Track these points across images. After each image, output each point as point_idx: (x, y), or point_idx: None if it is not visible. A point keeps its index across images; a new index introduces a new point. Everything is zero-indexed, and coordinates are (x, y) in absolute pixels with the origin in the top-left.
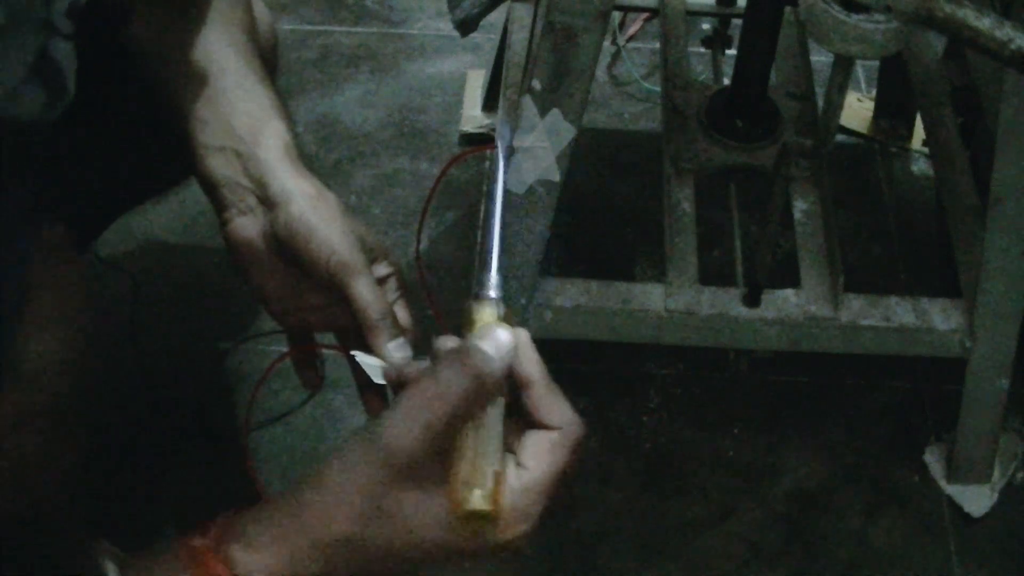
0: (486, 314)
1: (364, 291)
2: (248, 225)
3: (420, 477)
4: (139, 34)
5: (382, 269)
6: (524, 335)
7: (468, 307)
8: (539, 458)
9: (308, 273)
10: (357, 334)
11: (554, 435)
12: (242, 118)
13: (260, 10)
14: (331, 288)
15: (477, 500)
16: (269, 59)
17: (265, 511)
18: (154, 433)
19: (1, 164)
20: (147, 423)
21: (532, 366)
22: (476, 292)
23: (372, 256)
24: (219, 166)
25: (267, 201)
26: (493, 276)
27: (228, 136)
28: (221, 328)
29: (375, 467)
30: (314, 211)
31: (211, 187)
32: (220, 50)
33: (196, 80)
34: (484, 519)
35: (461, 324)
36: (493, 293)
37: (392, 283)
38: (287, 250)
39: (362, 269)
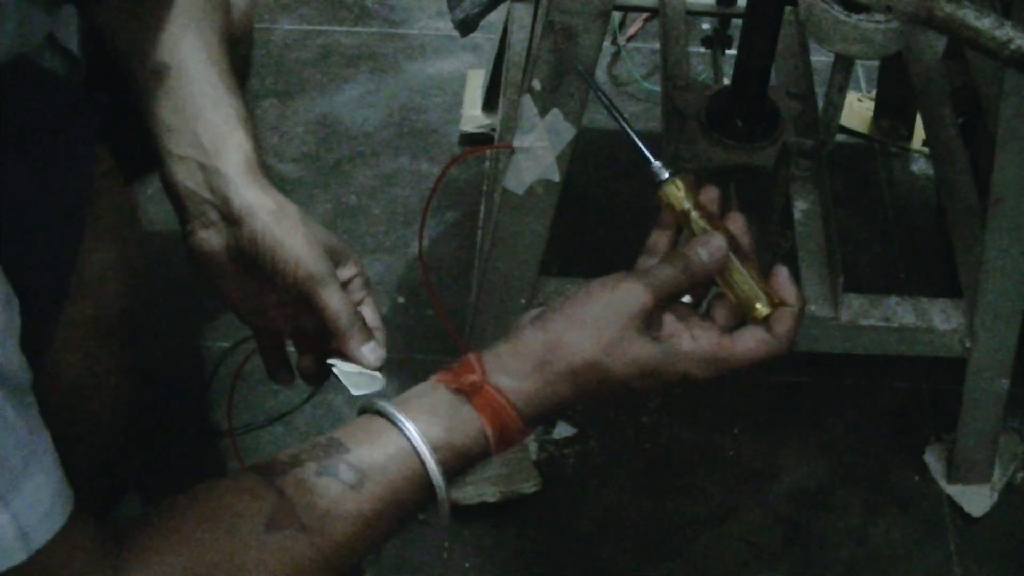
0: (674, 196)
1: (332, 300)
2: (211, 238)
3: (649, 326)
4: (112, 24)
5: (347, 271)
6: (740, 219)
7: (659, 195)
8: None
9: (275, 284)
10: (323, 336)
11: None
12: (207, 129)
13: None
14: (299, 298)
15: (762, 308)
16: (242, 45)
17: (521, 344)
18: (153, 432)
19: (57, 100)
20: (146, 422)
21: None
22: (656, 181)
23: (336, 260)
24: (183, 177)
25: (229, 216)
26: (655, 162)
27: (192, 146)
28: (221, 327)
29: (620, 314)
30: (277, 225)
31: (175, 197)
32: (191, 54)
33: (165, 83)
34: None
35: (660, 207)
36: (666, 174)
37: (357, 283)
38: (252, 263)
39: (328, 279)
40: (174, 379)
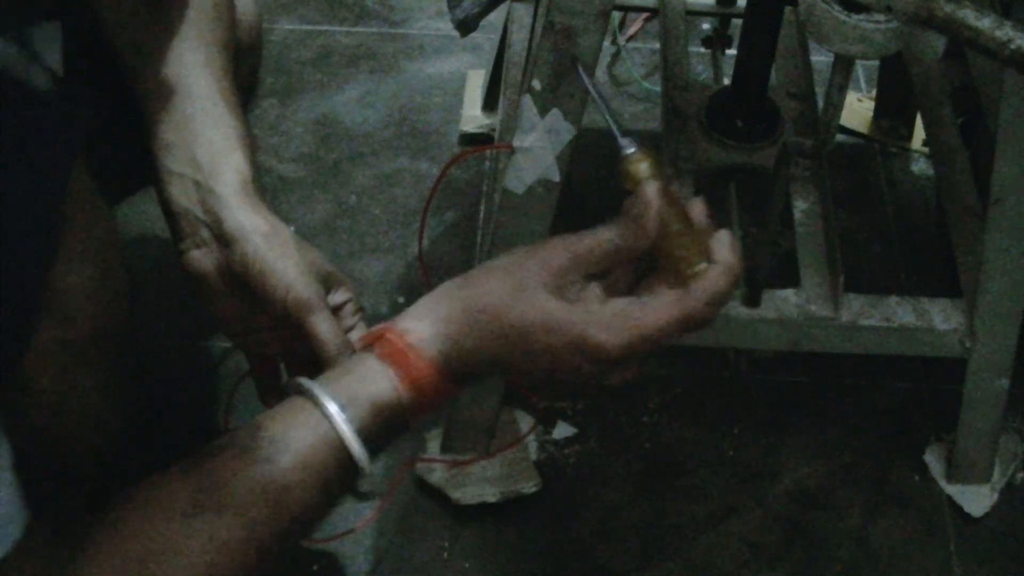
0: (634, 169)
1: (321, 327)
2: (203, 258)
3: (561, 287)
4: (121, 36)
5: (339, 296)
6: (700, 203)
7: (622, 169)
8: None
9: (265, 308)
10: (314, 362)
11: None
12: (205, 148)
13: (244, 2)
14: (289, 322)
15: (701, 265)
16: (251, 56)
17: (435, 292)
18: (153, 432)
19: (36, 118)
20: (144, 422)
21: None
22: (621, 155)
23: (329, 285)
24: (178, 195)
25: (222, 237)
26: (621, 139)
27: (190, 164)
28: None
29: (533, 266)
30: (269, 248)
31: (169, 215)
32: (194, 71)
33: (167, 99)
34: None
35: (623, 182)
36: (631, 149)
37: (349, 308)
38: (244, 286)
39: (318, 305)
40: (174, 379)
